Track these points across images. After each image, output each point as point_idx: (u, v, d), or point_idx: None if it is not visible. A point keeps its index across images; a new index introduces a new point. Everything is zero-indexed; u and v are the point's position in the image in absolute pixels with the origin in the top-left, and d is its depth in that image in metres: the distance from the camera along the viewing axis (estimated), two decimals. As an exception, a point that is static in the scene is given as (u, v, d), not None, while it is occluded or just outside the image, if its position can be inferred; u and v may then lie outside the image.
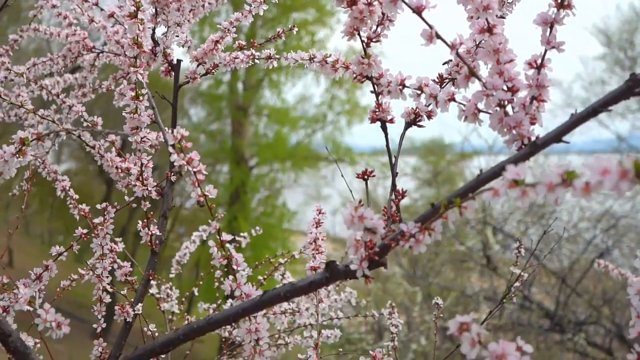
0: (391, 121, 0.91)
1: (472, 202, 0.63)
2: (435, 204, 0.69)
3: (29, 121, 1.43)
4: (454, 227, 7.16)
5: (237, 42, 1.28)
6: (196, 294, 1.79)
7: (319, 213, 1.16)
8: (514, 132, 0.72)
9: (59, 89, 1.52)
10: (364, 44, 0.87)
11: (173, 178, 1.19)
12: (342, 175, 1.13)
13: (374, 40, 0.87)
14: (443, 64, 0.89)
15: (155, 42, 1.22)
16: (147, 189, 1.13)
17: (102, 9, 1.31)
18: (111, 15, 1.21)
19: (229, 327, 1.65)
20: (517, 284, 1.52)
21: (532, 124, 0.72)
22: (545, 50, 0.72)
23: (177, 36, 1.23)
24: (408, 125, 0.90)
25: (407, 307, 6.82)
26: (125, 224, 9.52)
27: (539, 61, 0.73)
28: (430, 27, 0.73)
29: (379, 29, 0.87)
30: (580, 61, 11.10)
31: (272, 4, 1.28)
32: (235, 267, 0.86)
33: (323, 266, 0.77)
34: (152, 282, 1.25)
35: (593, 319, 6.26)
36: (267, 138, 11.45)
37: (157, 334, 1.35)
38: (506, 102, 0.73)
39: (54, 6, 1.49)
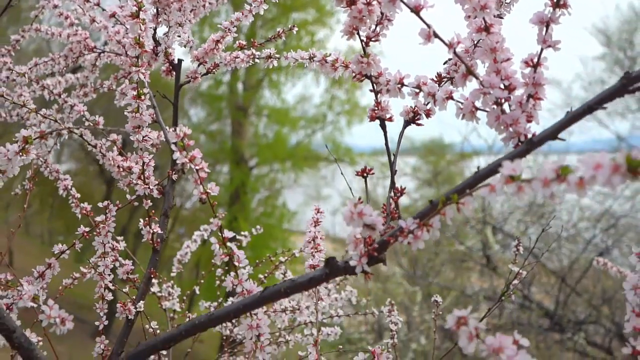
0: (390, 119, 0.92)
1: (470, 199, 0.64)
2: (433, 201, 0.70)
3: (31, 121, 1.44)
4: (452, 223, 7.17)
5: (237, 42, 1.29)
6: (197, 292, 1.80)
7: (318, 212, 1.17)
8: (510, 129, 0.73)
9: (60, 89, 1.53)
10: (363, 44, 0.88)
11: (174, 176, 1.20)
12: (341, 173, 1.14)
13: (373, 39, 0.88)
14: (443, 64, 0.91)
15: (157, 42, 1.23)
16: (149, 188, 1.14)
17: (103, 9, 1.32)
18: (112, 16, 1.22)
19: (229, 325, 1.66)
20: (515, 282, 1.53)
21: (529, 121, 0.73)
22: (542, 49, 0.73)
23: (179, 36, 1.24)
24: (407, 123, 0.91)
25: (407, 306, 6.83)
26: (126, 223, 9.54)
27: (535, 60, 0.74)
28: (428, 26, 0.74)
29: (378, 29, 0.88)
30: (580, 61, 11.12)
31: (272, 4, 1.29)
32: (236, 263, 0.87)
33: (323, 263, 0.78)
34: (153, 280, 1.26)
35: (593, 319, 6.27)
36: (267, 138, 11.46)
37: (158, 331, 1.36)
38: (503, 100, 0.74)
39: (55, 6, 1.50)
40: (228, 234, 0.89)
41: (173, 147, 0.86)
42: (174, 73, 1.29)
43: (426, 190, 10.15)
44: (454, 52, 0.77)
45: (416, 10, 0.74)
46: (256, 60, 1.27)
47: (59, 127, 1.17)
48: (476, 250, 7.24)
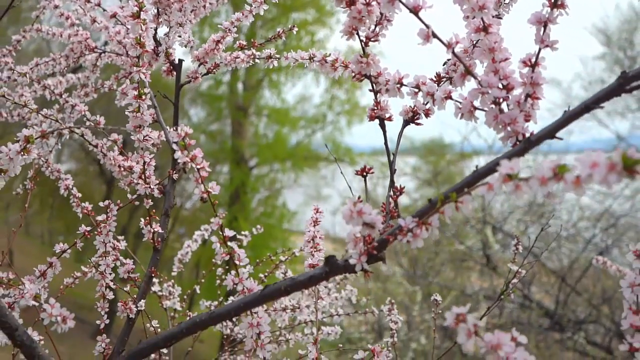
0: (389, 119, 0.93)
1: (468, 197, 0.65)
2: (432, 199, 0.71)
3: (32, 120, 1.44)
4: (452, 223, 7.18)
5: (237, 42, 1.30)
6: (198, 291, 1.80)
7: (317, 212, 1.17)
8: (508, 128, 0.74)
9: (61, 89, 1.54)
10: (363, 44, 0.88)
11: (175, 176, 1.20)
12: (341, 172, 1.15)
13: (372, 39, 0.89)
14: (443, 65, 0.91)
15: (157, 42, 1.24)
16: (150, 187, 1.15)
17: (104, 10, 1.32)
18: (113, 16, 1.22)
19: (230, 324, 1.67)
20: (514, 281, 1.53)
21: (527, 120, 0.74)
22: (540, 49, 0.74)
23: (180, 36, 1.24)
24: (406, 123, 0.92)
25: (407, 306, 6.84)
26: (126, 224, 9.55)
27: (533, 59, 0.75)
28: (427, 26, 0.75)
29: (377, 29, 0.88)
30: (580, 61, 11.13)
31: (272, 4, 1.29)
32: (237, 262, 0.88)
33: (322, 262, 0.79)
34: (154, 279, 1.27)
35: (593, 318, 6.28)
36: (267, 138, 11.47)
37: (159, 330, 1.36)
38: (501, 100, 0.75)
39: (56, 6, 1.51)
40: (229, 232, 0.90)
41: (174, 146, 0.87)
42: (175, 73, 1.29)
43: (426, 190, 10.15)
44: (453, 52, 0.77)
45: (415, 11, 0.74)
46: (256, 60, 1.28)
47: (60, 127, 1.18)
48: (476, 249, 7.25)
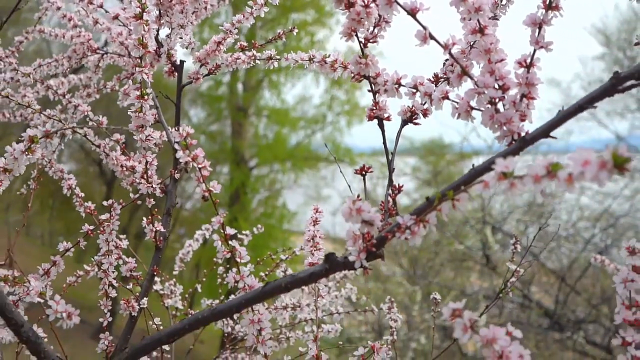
0: (388, 119, 0.94)
1: (465, 195, 0.66)
2: (430, 198, 0.72)
3: (35, 121, 1.46)
4: (452, 223, 7.19)
5: (238, 43, 1.31)
6: (199, 290, 1.82)
7: (317, 212, 1.19)
8: (504, 128, 0.75)
9: (64, 89, 1.55)
10: (362, 45, 0.90)
11: (177, 175, 1.22)
12: (341, 171, 1.16)
13: (371, 41, 0.90)
14: (443, 64, 0.93)
15: (159, 44, 1.25)
16: (152, 186, 1.16)
17: (106, 11, 1.34)
18: (115, 17, 1.24)
19: (231, 322, 1.68)
20: (513, 279, 1.55)
21: (522, 120, 0.75)
22: (534, 50, 0.76)
23: (181, 38, 1.26)
24: (404, 122, 0.93)
25: (407, 306, 6.85)
26: (126, 225, 9.56)
27: (529, 60, 0.76)
28: (424, 28, 0.77)
29: (375, 30, 0.90)
30: (579, 61, 11.16)
31: (271, 5, 1.31)
32: (238, 260, 0.90)
33: (322, 260, 0.81)
34: (155, 278, 1.28)
35: (592, 318, 6.29)
36: (267, 139, 11.49)
37: (161, 327, 1.38)
38: (497, 100, 0.77)
39: (58, 8, 1.52)
40: (230, 231, 0.92)
41: (176, 146, 0.89)
42: (176, 74, 1.31)
43: (426, 190, 10.16)
44: (450, 53, 0.79)
45: (412, 13, 0.76)
46: (257, 61, 1.29)
47: (64, 127, 1.19)
48: (476, 249, 7.27)
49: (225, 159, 11.13)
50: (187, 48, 1.30)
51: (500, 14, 0.98)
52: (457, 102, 0.83)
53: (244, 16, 1.26)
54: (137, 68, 1.01)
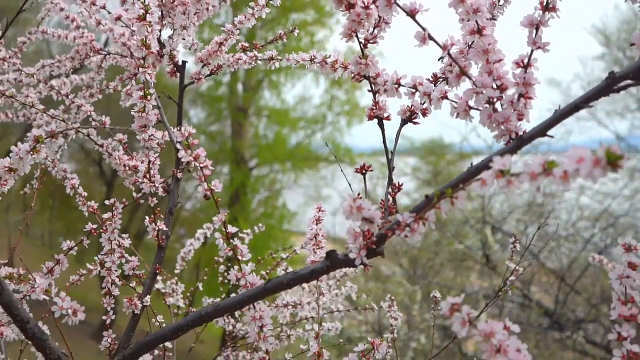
0: (387, 118, 0.96)
1: (463, 193, 0.68)
2: (429, 196, 0.73)
3: (38, 121, 1.47)
4: (452, 223, 7.20)
5: (240, 44, 1.33)
6: (201, 288, 1.83)
7: (319, 210, 1.20)
8: (502, 127, 0.77)
9: (67, 90, 1.57)
10: (362, 45, 0.91)
11: (179, 175, 1.23)
12: (341, 170, 1.17)
13: (370, 41, 0.92)
14: (438, 59, 0.94)
15: (161, 44, 1.27)
16: (155, 186, 1.17)
17: (109, 12, 1.35)
18: (118, 18, 1.25)
19: (232, 320, 1.69)
20: (512, 278, 1.56)
21: (520, 119, 0.76)
22: (532, 51, 0.77)
23: (184, 39, 1.27)
24: (404, 122, 0.95)
25: (407, 305, 6.87)
26: (126, 225, 9.57)
27: (526, 61, 0.78)
28: (423, 29, 0.78)
29: (375, 31, 0.91)
30: (579, 61, 11.17)
31: (272, 6, 1.32)
32: (240, 257, 0.91)
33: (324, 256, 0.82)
34: (157, 277, 1.29)
35: (592, 317, 6.31)
36: (267, 139, 11.50)
37: (164, 325, 1.39)
38: (495, 100, 0.78)
39: (62, 9, 1.54)
40: (232, 229, 0.93)
41: (178, 145, 0.90)
42: (178, 74, 1.32)
43: (426, 190, 10.16)
44: (448, 54, 0.80)
45: (412, 14, 0.77)
46: (258, 62, 1.31)
47: (68, 127, 1.20)
48: (476, 249, 7.28)
49: (225, 159, 11.14)
50: (190, 49, 1.31)
51: (498, 14, 1.00)
52: (456, 102, 0.84)
53: (245, 17, 1.28)
54: (140, 69, 1.02)
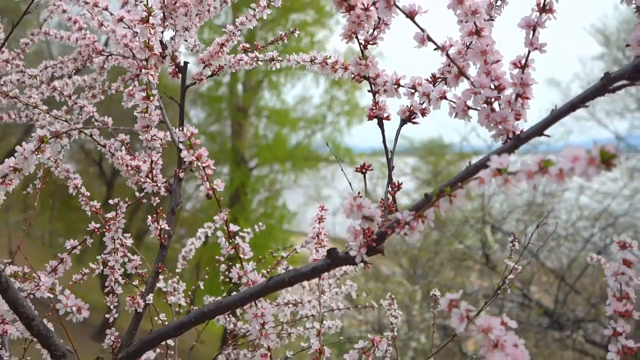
0: (387, 118, 0.97)
1: (461, 191, 0.69)
2: (428, 194, 0.75)
3: (40, 122, 1.48)
4: (451, 223, 7.20)
5: (241, 45, 1.34)
6: (202, 287, 1.85)
7: (322, 209, 1.22)
8: (500, 127, 0.78)
9: (70, 91, 1.58)
10: (362, 46, 0.93)
11: (181, 175, 1.24)
12: (341, 170, 1.19)
13: (370, 43, 0.93)
14: (434, 49, 0.95)
15: (163, 46, 1.28)
16: (157, 185, 1.19)
17: (111, 14, 1.36)
18: (120, 20, 1.26)
19: (233, 318, 1.71)
20: (511, 276, 1.57)
21: (517, 119, 0.78)
22: (529, 52, 0.79)
23: (186, 40, 1.29)
24: (403, 122, 0.96)
25: (407, 305, 6.88)
26: (127, 225, 9.57)
27: (523, 61, 0.79)
28: (423, 30, 0.79)
29: (375, 32, 0.93)
30: (579, 61, 11.18)
31: (272, 6, 1.33)
32: (241, 256, 0.92)
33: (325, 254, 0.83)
34: (159, 276, 1.30)
35: (591, 317, 6.31)
36: (267, 139, 11.51)
37: (166, 323, 1.40)
38: (493, 100, 0.79)
39: (64, 11, 1.55)
40: (234, 227, 0.94)
41: (181, 145, 0.91)
42: (180, 75, 1.33)
43: (426, 190, 10.13)
44: (447, 55, 0.82)
45: (411, 16, 0.79)
46: (259, 62, 1.32)
47: (71, 128, 1.22)
48: (475, 249, 7.29)
49: (225, 159, 11.15)
50: (192, 50, 1.32)
51: (495, 15, 1.01)
52: (455, 102, 0.86)
53: (246, 18, 1.29)
54: (142, 70, 1.03)
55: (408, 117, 0.95)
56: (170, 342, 1.36)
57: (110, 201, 1.17)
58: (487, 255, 7.00)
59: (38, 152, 0.95)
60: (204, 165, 0.92)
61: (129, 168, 1.28)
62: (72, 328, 1.05)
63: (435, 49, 0.84)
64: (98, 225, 1.19)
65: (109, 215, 1.17)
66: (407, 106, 0.95)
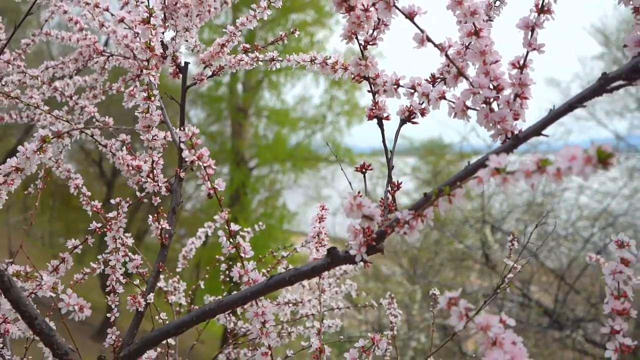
0: (387, 118, 0.98)
1: (460, 190, 0.70)
2: (427, 194, 0.75)
3: (41, 122, 1.49)
4: (451, 223, 7.21)
5: (241, 45, 1.34)
6: (202, 286, 1.85)
7: (322, 209, 1.22)
8: (498, 126, 0.79)
9: (71, 91, 1.59)
10: (361, 47, 0.93)
11: (182, 174, 1.25)
12: (341, 169, 1.19)
13: (370, 43, 0.93)
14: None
15: (164, 46, 1.29)
16: (158, 185, 1.19)
17: (112, 15, 1.37)
18: (121, 20, 1.27)
19: (234, 318, 1.71)
20: (510, 275, 1.58)
21: (515, 119, 0.79)
22: (527, 52, 0.79)
23: (186, 40, 1.29)
24: (403, 122, 0.97)
25: (407, 305, 6.88)
26: (126, 226, 9.57)
27: (522, 62, 0.80)
28: (422, 31, 0.80)
29: (375, 33, 0.93)
30: (579, 61, 11.19)
31: (272, 7, 1.34)
32: (242, 255, 0.93)
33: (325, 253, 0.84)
34: (160, 275, 1.31)
35: (591, 316, 6.32)
36: (267, 139, 11.51)
37: (167, 322, 1.41)
38: (492, 100, 0.80)
39: (65, 12, 1.55)
40: (235, 227, 0.95)
41: (182, 145, 0.92)
42: (181, 75, 1.34)
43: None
44: (446, 55, 0.82)
45: (410, 17, 0.79)
46: (259, 63, 1.33)
47: (72, 128, 1.22)
48: (475, 249, 7.30)
49: (225, 159, 11.15)
50: (192, 51, 1.33)
51: (494, 16, 1.01)
52: (454, 102, 0.86)
53: (247, 19, 1.29)
54: (144, 70, 1.04)
55: (407, 117, 0.95)
56: (171, 341, 1.37)
57: (112, 201, 1.18)
58: (487, 255, 7.00)
59: (40, 152, 0.96)
60: (205, 164, 0.93)
61: (130, 168, 1.28)
62: (71, 328, 1.06)
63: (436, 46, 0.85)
64: (99, 225, 1.20)
65: (110, 214, 1.18)
66: (406, 106, 0.95)
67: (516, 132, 0.78)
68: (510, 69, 0.81)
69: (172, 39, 1.27)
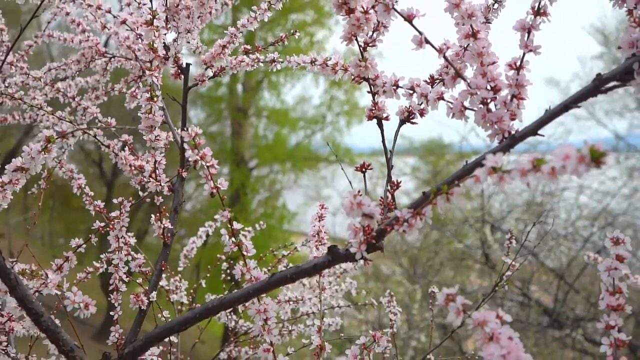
0: (386, 118, 0.99)
1: (458, 189, 0.71)
2: (426, 192, 0.77)
3: (44, 123, 1.51)
4: (451, 222, 7.22)
5: (242, 47, 1.36)
6: (203, 285, 1.87)
7: (322, 208, 1.24)
8: (496, 127, 0.80)
9: (74, 92, 1.60)
10: (361, 48, 0.95)
11: (184, 174, 1.27)
12: (342, 169, 1.21)
13: (370, 45, 0.95)
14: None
15: (166, 47, 1.30)
16: (160, 185, 1.21)
17: (114, 16, 1.39)
18: (123, 22, 1.28)
19: (235, 316, 1.73)
20: (508, 273, 1.60)
21: (512, 119, 0.80)
22: (524, 54, 0.81)
23: (188, 42, 1.31)
24: (402, 122, 0.98)
25: (407, 305, 6.90)
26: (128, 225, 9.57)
27: (518, 63, 0.81)
28: (420, 33, 0.82)
29: (374, 35, 0.95)
30: (578, 61, 11.21)
31: (273, 9, 1.35)
32: (245, 253, 0.94)
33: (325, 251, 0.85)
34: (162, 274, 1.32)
35: (591, 316, 6.33)
36: (267, 139, 11.53)
37: (169, 320, 1.42)
38: (489, 100, 0.82)
39: (67, 13, 1.57)
40: (237, 225, 0.96)
41: (185, 145, 0.93)
42: (183, 76, 1.36)
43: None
44: (444, 57, 0.84)
45: (409, 19, 0.81)
46: (260, 64, 1.34)
47: (75, 128, 1.24)
48: (475, 248, 7.31)
49: (225, 159, 11.16)
50: (194, 52, 1.35)
51: (492, 17, 1.03)
52: (452, 103, 0.88)
53: (248, 20, 1.31)
54: (147, 71, 1.06)
55: (407, 117, 0.97)
56: (173, 339, 1.38)
57: (114, 200, 1.19)
58: (487, 254, 7.02)
59: (45, 152, 0.97)
60: (208, 164, 0.95)
61: (133, 168, 1.30)
62: (71, 329, 1.07)
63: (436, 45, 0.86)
64: (103, 224, 1.21)
65: (113, 214, 1.19)
66: (405, 107, 0.97)
67: (513, 132, 0.80)
68: (507, 70, 0.82)
69: (174, 40, 1.29)
